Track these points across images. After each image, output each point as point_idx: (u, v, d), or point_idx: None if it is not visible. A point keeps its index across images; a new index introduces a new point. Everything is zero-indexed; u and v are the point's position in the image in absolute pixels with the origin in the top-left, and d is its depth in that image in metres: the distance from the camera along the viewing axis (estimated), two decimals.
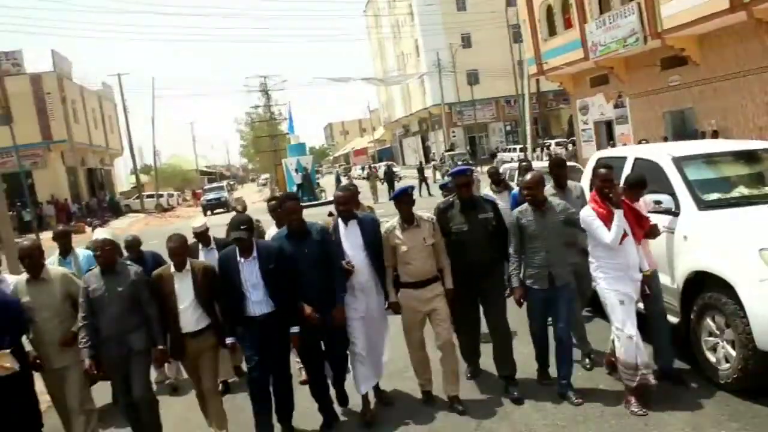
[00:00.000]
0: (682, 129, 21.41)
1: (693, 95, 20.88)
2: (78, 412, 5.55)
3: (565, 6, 26.35)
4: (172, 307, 5.47)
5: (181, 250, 5.51)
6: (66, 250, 6.96)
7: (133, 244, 7.15)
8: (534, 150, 33.46)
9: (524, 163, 11.16)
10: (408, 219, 5.72)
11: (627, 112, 24.65)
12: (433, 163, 46.40)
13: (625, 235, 5.25)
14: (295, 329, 5.52)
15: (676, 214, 5.90)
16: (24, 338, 5.43)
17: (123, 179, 65.85)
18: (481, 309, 6.12)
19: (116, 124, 57.61)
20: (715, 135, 18.63)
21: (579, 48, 24.70)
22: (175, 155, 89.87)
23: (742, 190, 6.06)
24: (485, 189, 9.41)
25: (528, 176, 5.79)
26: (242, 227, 5.51)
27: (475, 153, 52.56)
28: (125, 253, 7.06)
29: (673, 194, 5.96)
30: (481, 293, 5.97)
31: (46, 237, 18.82)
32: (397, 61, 67.70)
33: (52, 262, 6.62)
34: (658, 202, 5.92)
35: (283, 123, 52.72)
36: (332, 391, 6.03)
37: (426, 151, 62.86)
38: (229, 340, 5.56)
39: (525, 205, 5.85)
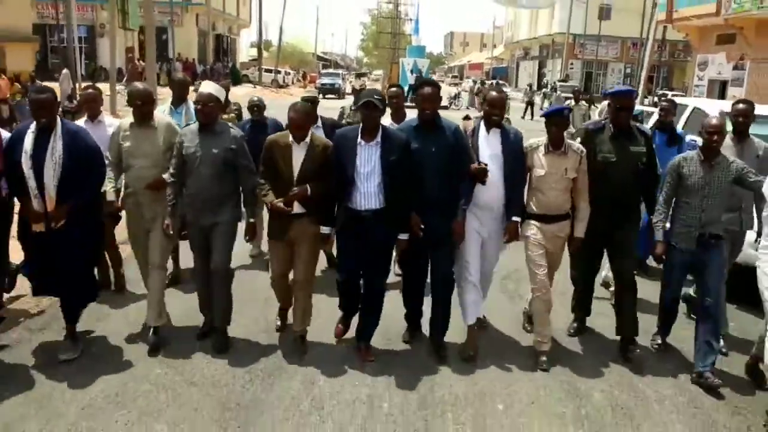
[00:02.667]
0: None
1: None
2: (158, 267, 5.34)
3: None
4: (284, 178, 4.96)
5: (303, 122, 4.92)
6: (180, 100, 6.81)
7: (259, 105, 7.21)
8: (645, 98, 33.44)
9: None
10: (556, 143, 5.04)
11: (745, 75, 24.62)
12: (543, 90, 46.51)
13: None
14: (404, 236, 4.97)
15: None
16: (116, 183, 5.43)
17: (244, 50, 68.52)
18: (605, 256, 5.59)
19: None
20: None
21: (713, 2, 24.52)
22: (296, 36, 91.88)
23: None
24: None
25: (714, 120, 5.05)
26: (376, 96, 4.82)
27: (588, 89, 52.11)
28: (247, 114, 7.35)
29: None
30: (611, 239, 5.31)
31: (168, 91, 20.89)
32: None
33: (163, 110, 6.57)
34: None
35: (407, 23, 53.46)
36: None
37: (540, 77, 62.36)
38: (324, 229, 5.03)
39: (693, 152, 5.17)
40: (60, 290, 5.12)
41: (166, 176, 5.14)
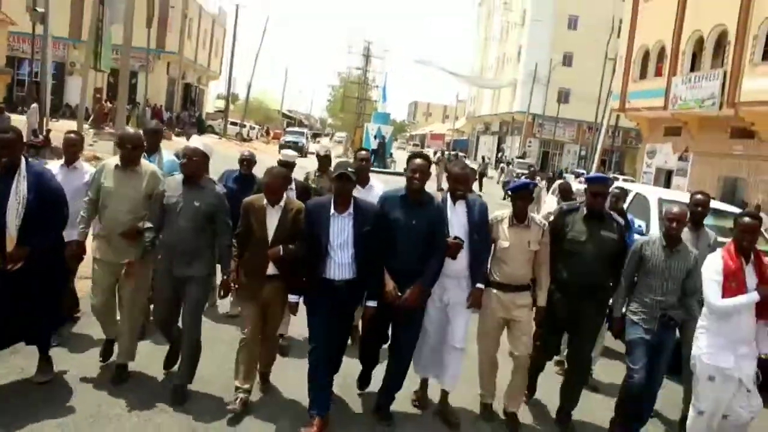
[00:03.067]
0: (731, 196, 22.80)
1: (750, 167, 22.29)
2: (129, 309, 5.38)
3: (661, 56, 27.74)
4: (259, 240, 5.05)
5: (278, 186, 5.06)
6: (152, 149, 6.54)
7: (249, 160, 7.12)
8: None
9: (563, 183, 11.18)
10: (520, 216, 5.26)
11: (688, 167, 26.08)
12: (501, 164, 48.01)
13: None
14: (372, 303, 5.00)
15: None
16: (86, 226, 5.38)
17: (211, 101, 69.16)
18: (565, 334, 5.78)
19: (221, 49, 60.73)
20: (757, 209, 20.03)
21: (662, 96, 26.17)
22: (263, 91, 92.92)
23: None
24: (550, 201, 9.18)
25: (676, 209, 5.27)
26: (350, 169, 4.90)
27: (545, 168, 53.85)
28: (237, 167, 7.18)
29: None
30: (574, 317, 5.41)
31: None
32: (497, 61, 68.93)
33: (162, 172, 6.33)
34: None
35: (374, 89, 54.86)
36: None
37: (499, 152, 64.26)
38: (293, 298, 5.06)
39: (653, 236, 5.48)
40: (23, 334, 5.04)
41: (142, 224, 5.12)
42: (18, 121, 19.08)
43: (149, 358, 5.80)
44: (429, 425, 5.39)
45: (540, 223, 5.33)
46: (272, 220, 5.05)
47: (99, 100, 38.32)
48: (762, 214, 14.82)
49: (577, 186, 17.79)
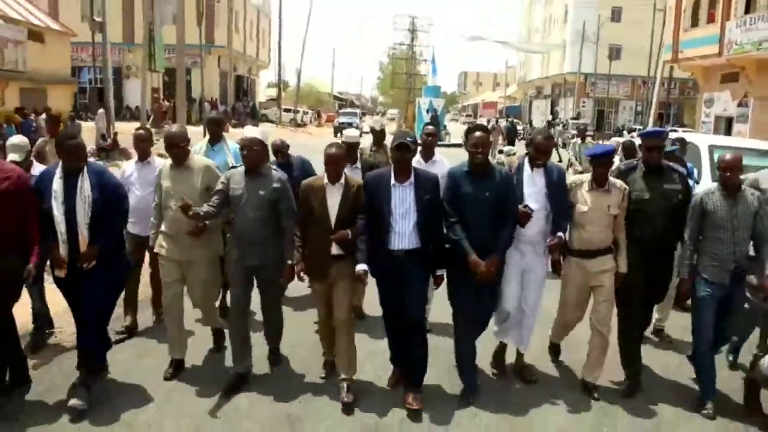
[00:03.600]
0: None
1: None
2: (202, 306, 5.69)
3: (712, 1, 27.11)
4: (321, 221, 5.01)
5: (339, 159, 5.01)
6: (216, 138, 6.69)
7: (282, 148, 7.06)
8: None
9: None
10: (600, 180, 5.15)
11: (749, 112, 25.51)
12: (554, 127, 47.60)
13: None
14: (441, 271, 5.11)
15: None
16: (158, 226, 5.51)
17: (263, 91, 70.29)
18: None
19: (268, 38, 61.65)
20: None
21: (716, 43, 25.58)
22: (312, 76, 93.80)
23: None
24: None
25: (728, 156, 5.05)
26: (409, 139, 4.93)
27: (601, 127, 53.08)
28: (272, 157, 6.93)
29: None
30: (648, 277, 5.29)
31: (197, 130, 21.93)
32: (544, 23, 67.93)
33: (200, 146, 6.62)
34: None
35: (422, 63, 54.86)
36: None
37: (554, 115, 63.57)
38: (360, 267, 4.96)
39: (713, 187, 5.19)
40: (80, 338, 5.05)
41: (206, 208, 5.06)
42: (87, 127, 20.09)
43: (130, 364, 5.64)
44: (506, 386, 5.49)
45: (621, 188, 5.20)
46: (333, 198, 5.00)
47: (156, 99, 39.57)
48: None
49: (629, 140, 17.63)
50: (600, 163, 5.14)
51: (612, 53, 54.77)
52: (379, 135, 7.62)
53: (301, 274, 5.19)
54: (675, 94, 50.34)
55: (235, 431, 4.67)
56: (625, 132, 43.30)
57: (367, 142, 7.91)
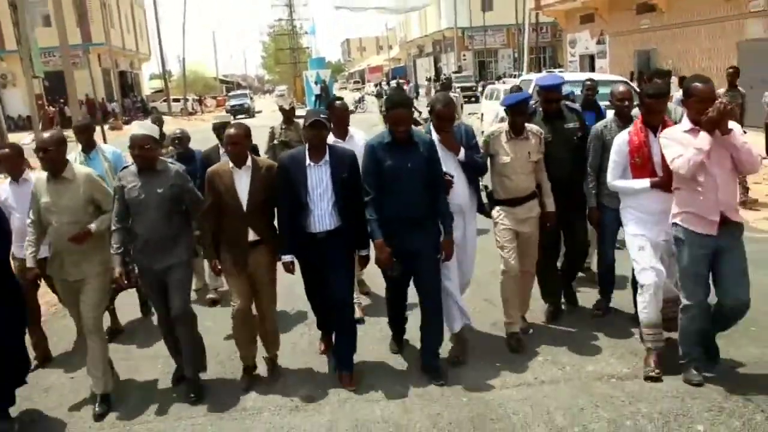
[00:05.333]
0: (647, 66, 24.86)
1: (657, 38, 24.31)
2: (94, 332, 4.86)
3: None
4: (233, 208, 4.78)
5: (239, 138, 4.73)
6: (88, 146, 6.24)
7: (182, 138, 6.83)
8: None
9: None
10: (518, 130, 5.13)
11: (606, 48, 28.04)
12: (438, 83, 49.39)
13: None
14: (364, 251, 4.96)
15: None
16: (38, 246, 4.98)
17: (146, 83, 69.13)
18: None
19: (145, 29, 60.62)
20: (668, 74, 22.04)
21: None
22: (195, 62, 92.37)
23: None
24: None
25: (621, 88, 5.46)
26: (322, 116, 4.79)
27: (484, 77, 55.41)
28: (170, 148, 6.90)
29: None
30: (561, 215, 5.42)
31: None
32: None
33: (74, 156, 6.03)
34: None
35: (304, 37, 55.56)
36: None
37: (437, 72, 65.49)
38: (286, 258, 4.87)
39: (609, 119, 5.48)
40: None
41: (97, 222, 4.82)
42: None
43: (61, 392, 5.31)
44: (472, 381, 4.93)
45: (537, 133, 5.23)
46: (242, 183, 4.80)
47: (41, 106, 38.78)
48: (673, 78, 16.71)
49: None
50: (516, 111, 5.12)
51: (484, 5, 56.73)
52: (289, 113, 7.64)
53: (218, 267, 4.97)
54: (548, 38, 53.07)
55: None
56: (503, 79, 45.63)
57: (260, 123, 8.16)
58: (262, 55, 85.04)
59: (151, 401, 4.98)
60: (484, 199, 5.42)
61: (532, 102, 5.83)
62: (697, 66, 21.73)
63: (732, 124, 4.17)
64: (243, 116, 42.06)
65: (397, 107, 4.75)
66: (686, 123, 4.37)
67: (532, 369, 5.00)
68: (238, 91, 57.22)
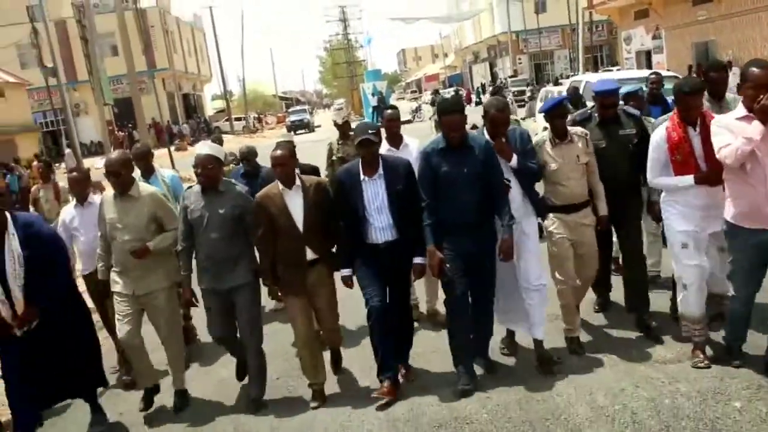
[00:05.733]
0: (705, 58, 24.42)
1: (716, 28, 23.92)
2: (169, 337, 5.10)
3: None
4: (288, 229, 4.76)
5: (285, 159, 4.73)
6: (147, 171, 6.31)
7: (250, 154, 6.86)
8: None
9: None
10: (561, 134, 5.02)
11: (663, 43, 27.68)
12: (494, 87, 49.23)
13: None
14: (419, 260, 4.81)
15: None
16: (103, 261, 5.17)
17: (208, 104, 71.14)
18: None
19: (206, 52, 62.59)
20: (729, 65, 21.65)
21: None
22: (254, 81, 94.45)
23: None
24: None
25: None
26: (370, 131, 4.73)
27: (540, 79, 55.04)
28: (240, 165, 7.04)
29: None
30: (618, 221, 5.34)
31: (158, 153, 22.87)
32: None
33: (162, 192, 5.94)
34: None
35: (359, 50, 56.34)
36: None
37: (494, 77, 65.32)
38: (344, 272, 4.84)
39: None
40: (70, 390, 4.97)
41: (161, 240, 4.99)
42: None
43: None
44: (520, 371, 5.04)
45: (582, 134, 5.10)
46: (294, 203, 4.78)
47: (111, 131, 40.44)
48: (734, 69, 16.42)
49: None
50: (555, 115, 5.04)
51: (538, 7, 56.35)
52: (343, 128, 7.53)
53: (278, 293, 5.01)
54: (604, 36, 52.38)
55: None
56: (561, 80, 45.08)
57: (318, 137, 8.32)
58: (320, 70, 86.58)
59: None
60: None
61: (589, 107, 5.68)
62: (759, 54, 21.25)
63: None
64: (303, 131, 43.16)
65: (449, 113, 4.72)
66: (741, 110, 4.16)
67: (577, 356, 5.11)
68: (298, 107, 58.48)
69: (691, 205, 4.56)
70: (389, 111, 6.24)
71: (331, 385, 5.22)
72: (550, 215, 5.15)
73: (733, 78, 5.93)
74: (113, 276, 5.10)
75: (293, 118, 47.32)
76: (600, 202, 5.17)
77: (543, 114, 5.16)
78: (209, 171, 4.83)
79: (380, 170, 4.73)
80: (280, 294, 4.98)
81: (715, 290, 4.77)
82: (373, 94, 40.83)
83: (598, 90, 5.41)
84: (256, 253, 5.08)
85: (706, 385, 4.38)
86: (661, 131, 4.67)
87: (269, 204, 4.79)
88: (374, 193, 4.72)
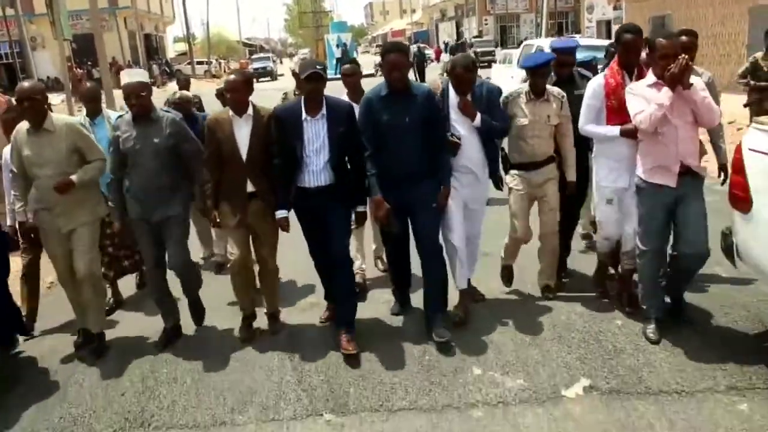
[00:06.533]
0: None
1: (673, 4, 24.54)
2: (87, 277, 4.78)
3: None
4: (232, 157, 4.64)
5: (237, 84, 4.57)
6: (95, 112, 5.89)
7: (182, 100, 6.43)
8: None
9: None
10: (539, 91, 5.00)
11: (623, 14, 28.30)
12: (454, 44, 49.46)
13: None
14: (362, 208, 4.79)
15: None
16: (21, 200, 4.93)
17: (170, 46, 69.86)
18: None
19: None
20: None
21: None
22: (218, 25, 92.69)
23: None
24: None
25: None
26: (319, 67, 4.51)
27: (505, 42, 55.37)
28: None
29: None
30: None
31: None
32: None
33: (78, 121, 5.56)
34: None
35: (326, 0, 55.78)
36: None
37: (459, 36, 65.41)
38: (280, 214, 4.70)
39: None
40: None
41: (93, 175, 4.80)
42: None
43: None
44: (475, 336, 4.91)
45: (558, 95, 5.07)
46: (242, 132, 4.66)
47: (70, 68, 39.64)
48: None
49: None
50: (537, 73, 5.00)
51: None
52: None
53: (217, 219, 4.88)
54: (571, 2, 52.88)
55: None
56: (526, 43, 45.29)
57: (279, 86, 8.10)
58: (286, 18, 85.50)
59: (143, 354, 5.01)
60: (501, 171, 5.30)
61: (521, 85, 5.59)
62: (710, 32, 22.08)
63: (693, 79, 4.29)
64: (266, 79, 42.90)
65: (390, 52, 4.63)
66: (650, 77, 4.46)
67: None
68: (261, 54, 57.99)
69: (617, 157, 4.77)
70: (346, 66, 6.02)
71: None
72: (511, 172, 5.23)
73: None
74: (38, 217, 4.87)
75: (256, 65, 46.96)
76: (570, 169, 5.19)
77: (525, 69, 5.12)
78: (143, 99, 4.69)
79: (323, 110, 4.57)
80: (218, 221, 4.90)
81: (627, 248, 5.08)
82: (337, 46, 40.88)
83: (557, 47, 5.45)
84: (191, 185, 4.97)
85: (595, 306, 5.22)
86: (599, 79, 4.89)
87: (217, 129, 4.71)
88: (315, 133, 4.56)
